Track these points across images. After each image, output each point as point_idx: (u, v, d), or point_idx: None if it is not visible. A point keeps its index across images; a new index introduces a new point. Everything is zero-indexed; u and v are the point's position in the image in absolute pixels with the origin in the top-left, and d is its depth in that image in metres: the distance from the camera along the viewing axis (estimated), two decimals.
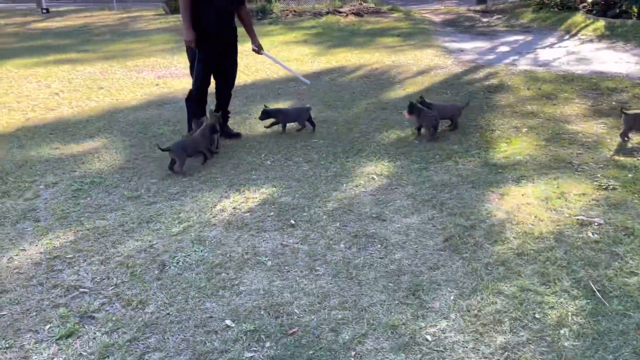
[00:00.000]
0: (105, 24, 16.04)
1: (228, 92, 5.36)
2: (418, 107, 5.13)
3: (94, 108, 6.73)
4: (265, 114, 5.43)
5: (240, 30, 5.24)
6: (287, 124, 5.56)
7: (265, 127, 5.57)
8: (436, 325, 2.53)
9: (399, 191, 4.05)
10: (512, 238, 3.28)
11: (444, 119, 5.34)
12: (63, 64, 9.55)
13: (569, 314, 2.59)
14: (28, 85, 8.01)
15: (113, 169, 4.73)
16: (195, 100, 5.14)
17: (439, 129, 5.17)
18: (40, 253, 3.35)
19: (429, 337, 2.45)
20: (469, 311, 2.62)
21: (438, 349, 2.39)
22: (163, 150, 4.54)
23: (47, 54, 10.61)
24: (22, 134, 5.73)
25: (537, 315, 2.58)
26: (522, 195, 3.86)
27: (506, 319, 2.56)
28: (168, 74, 8.73)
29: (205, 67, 5.01)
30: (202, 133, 4.79)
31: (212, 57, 5.00)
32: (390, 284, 2.88)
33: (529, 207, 3.68)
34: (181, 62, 9.43)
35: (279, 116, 5.52)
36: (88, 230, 3.63)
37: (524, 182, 4.09)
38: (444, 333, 2.49)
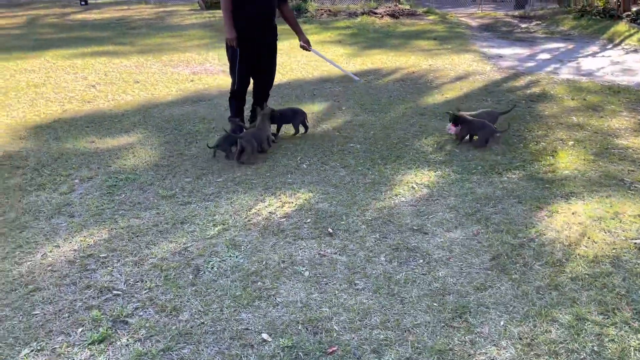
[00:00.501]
0: (141, 17, 16.17)
1: (266, 92, 5.26)
2: (465, 117, 4.97)
3: (129, 102, 6.72)
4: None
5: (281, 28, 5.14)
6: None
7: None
8: (486, 353, 2.38)
9: (441, 203, 3.89)
10: (564, 260, 3.09)
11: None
12: (100, 56, 9.61)
13: (631, 348, 2.40)
14: (65, 77, 8.06)
15: (148, 165, 4.68)
16: (233, 99, 5.08)
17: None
18: (74, 251, 3.30)
19: None
20: (521, 339, 2.46)
21: None
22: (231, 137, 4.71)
23: (85, 46, 10.71)
24: (59, 126, 5.74)
25: (595, 348, 2.40)
26: (573, 213, 3.66)
27: (562, 351, 2.39)
28: (203, 70, 8.70)
29: (244, 67, 4.93)
30: (264, 125, 4.86)
31: (252, 57, 4.91)
32: (434, 304, 2.73)
33: (580, 227, 3.48)
34: (215, 59, 9.41)
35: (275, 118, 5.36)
36: (122, 228, 3.57)
37: (574, 200, 3.88)
38: None
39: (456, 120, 4.98)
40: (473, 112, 5.35)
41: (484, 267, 3.05)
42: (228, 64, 5.07)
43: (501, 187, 4.14)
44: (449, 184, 4.22)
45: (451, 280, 2.93)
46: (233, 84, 5.08)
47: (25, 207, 3.91)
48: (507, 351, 2.39)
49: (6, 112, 6.24)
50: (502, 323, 2.57)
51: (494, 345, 2.43)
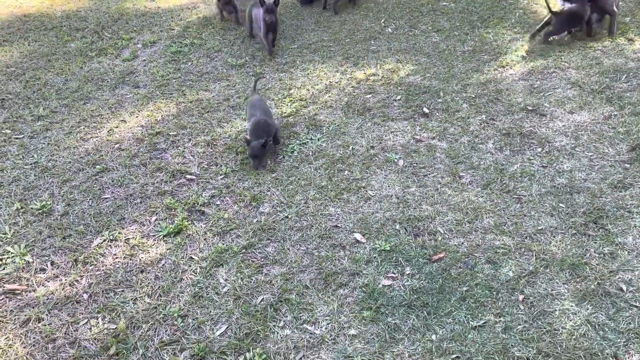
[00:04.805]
0: None
1: None
2: None
3: None
4: None
5: None
6: None
7: None
8: (632, 271, 1.95)
9: (559, 76, 3.24)
10: None
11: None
12: None
13: None
14: None
15: (214, 29, 4.18)
16: None
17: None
18: (141, 127, 3.00)
19: (623, 287, 1.89)
20: None
21: (638, 304, 1.83)
22: None
23: None
24: None
25: None
26: None
27: None
28: None
29: None
30: None
31: None
32: (561, 205, 2.26)
33: None
34: None
35: None
36: (191, 102, 3.22)
37: None
38: None
39: None
40: None
41: (620, 160, 2.50)
42: None
43: (634, 57, 3.38)
44: (568, 52, 3.50)
45: (580, 175, 2.43)
46: None
47: (87, 74, 3.60)
48: None
49: None
50: None
51: None
